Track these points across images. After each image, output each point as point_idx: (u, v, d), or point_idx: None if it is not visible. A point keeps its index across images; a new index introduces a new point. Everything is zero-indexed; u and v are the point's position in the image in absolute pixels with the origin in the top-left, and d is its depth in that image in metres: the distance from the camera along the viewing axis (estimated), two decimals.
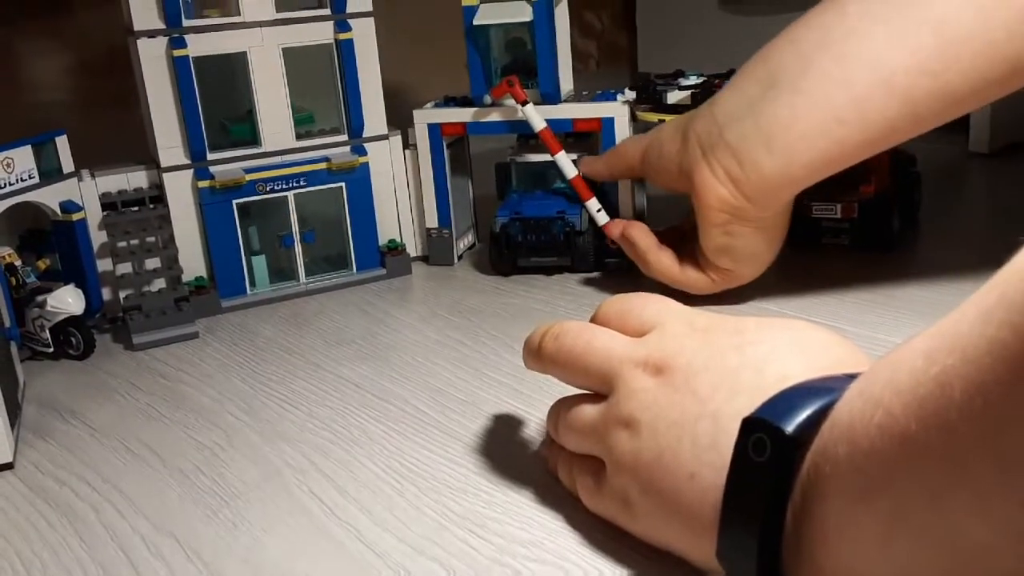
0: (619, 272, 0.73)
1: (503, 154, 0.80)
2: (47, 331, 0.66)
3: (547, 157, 0.74)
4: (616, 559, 0.39)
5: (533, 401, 0.54)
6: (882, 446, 0.26)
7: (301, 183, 0.76)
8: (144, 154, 0.75)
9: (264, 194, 0.75)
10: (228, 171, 0.74)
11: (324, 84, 0.77)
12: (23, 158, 0.66)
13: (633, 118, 0.76)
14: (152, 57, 0.71)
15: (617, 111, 0.74)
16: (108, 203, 0.71)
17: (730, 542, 0.31)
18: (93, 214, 0.71)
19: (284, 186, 0.75)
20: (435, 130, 0.79)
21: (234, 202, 0.74)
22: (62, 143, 0.69)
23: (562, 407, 0.43)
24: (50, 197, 0.69)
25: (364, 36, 0.76)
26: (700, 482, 0.34)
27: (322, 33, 0.75)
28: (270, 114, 0.75)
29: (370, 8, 0.76)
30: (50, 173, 0.68)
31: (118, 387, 0.62)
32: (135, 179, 0.73)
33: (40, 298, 0.66)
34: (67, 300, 0.66)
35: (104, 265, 0.71)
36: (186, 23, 0.71)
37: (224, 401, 0.59)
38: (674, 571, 0.37)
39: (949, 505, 0.24)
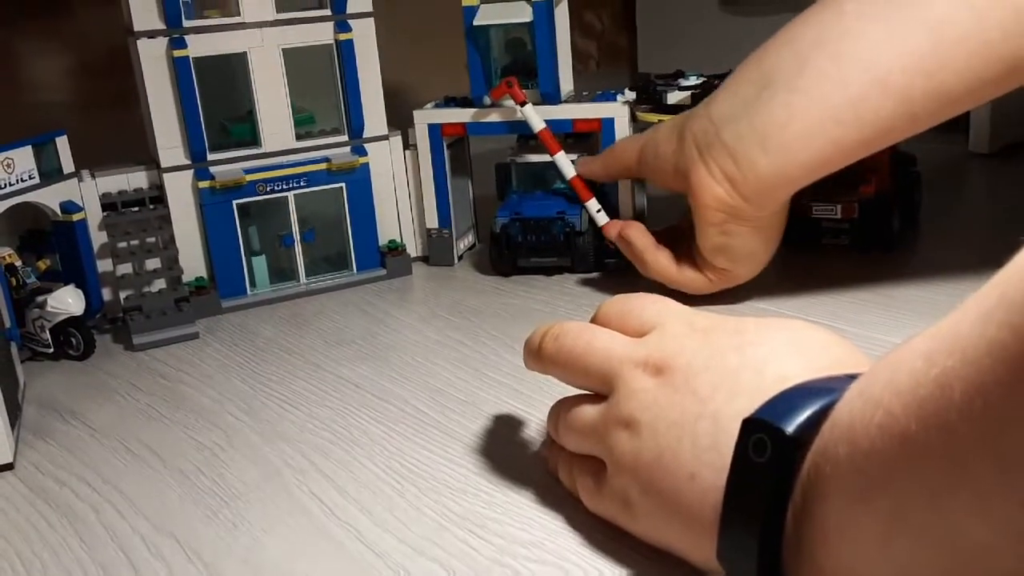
0: (619, 272, 0.73)
1: (503, 154, 0.80)
2: (47, 332, 0.66)
3: (547, 157, 0.74)
4: (616, 560, 0.39)
5: (533, 401, 0.54)
6: (882, 446, 0.26)
7: (301, 183, 0.76)
8: (144, 154, 0.75)
9: (264, 194, 0.75)
10: (228, 171, 0.74)
11: (324, 84, 0.77)
12: (23, 158, 0.66)
13: (633, 118, 0.76)
14: (152, 57, 0.71)
15: (617, 111, 0.74)
16: (108, 203, 0.71)
17: (730, 542, 0.31)
18: (93, 214, 0.71)
19: (284, 186, 0.75)
20: (435, 130, 0.79)
21: (234, 202, 0.74)
22: (62, 143, 0.69)
23: (562, 407, 0.43)
24: (50, 197, 0.69)
25: (364, 36, 0.76)
26: (700, 482, 0.34)
27: (322, 34, 0.75)
28: (270, 114, 0.75)
29: (370, 8, 0.76)
30: (50, 173, 0.68)
31: (118, 387, 0.62)
32: (135, 179, 0.73)
33: (40, 299, 0.66)
34: (67, 301, 0.66)
35: (104, 265, 0.72)
36: (186, 24, 0.71)
37: (224, 401, 0.59)
38: (674, 571, 0.37)
39: (949, 505, 0.24)
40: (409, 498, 0.46)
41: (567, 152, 0.74)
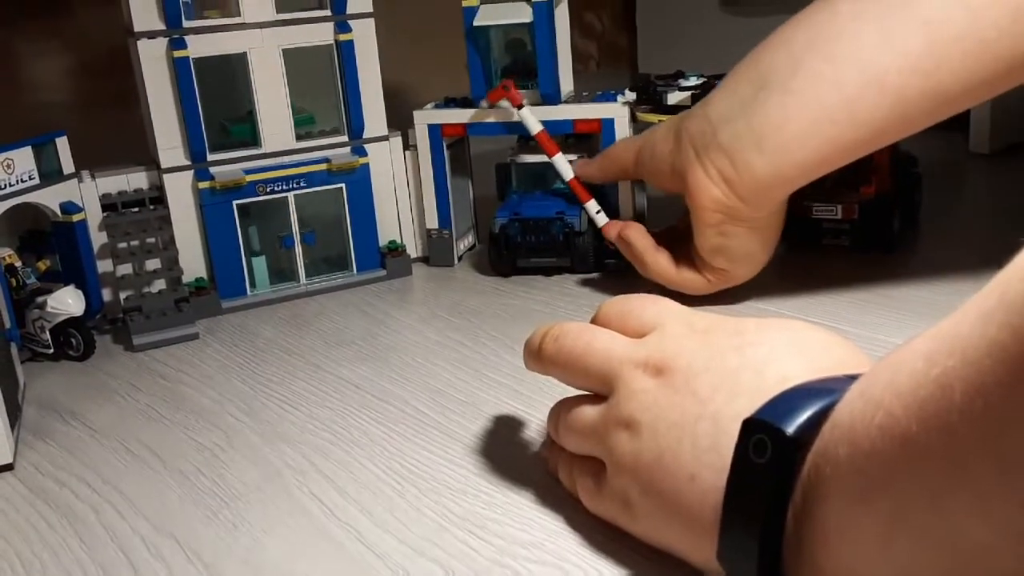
0: (618, 273, 0.73)
1: (503, 155, 0.80)
2: (47, 332, 0.66)
3: (547, 158, 0.74)
4: (616, 560, 0.39)
5: (533, 402, 0.54)
6: (883, 447, 0.26)
7: (301, 184, 0.76)
8: (144, 155, 0.75)
9: (264, 195, 0.75)
10: (228, 172, 0.74)
11: (324, 85, 0.77)
12: (23, 159, 0.66)
13: (633, 119, 0.76)
14: (152, 58, 0.71)
15: (617, 112, 0.74)
16: (108, 204, 0.71)
17: (731, 543, 0.31)
18: (93, 215, 0.71)
19: (284, 187, 0.75)
20: (435, 131, 0.79)
21: (234, 203, 0.74)
22: (62, 144, 0.69)
23: (562, 408, 0.43)
24: (50, 198, 0.69)
25: (364, 37, 0.76)
26: (700, 483, 0.34)
27: (322, 34, 0.75)
28: (270, 115, 0.75)
29: (370, 9, 0.76)
30: (50, 174, 0.68)
31: (118, 388, 0.62)
32: (135, 180, 0.73)
33: (40, 299, 0.66)
34: (67, 301, 0.66)
35: (104, 266, 0.71)
36: (186, 24, 0.71)
37: (224, 402, 0.59)
38: (674, 572, 0.37)
39: (950, 506, 0.24)
40: (409, 499, 0.46)
41: (567, 152, 0.74)
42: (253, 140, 0.75)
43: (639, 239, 0.67)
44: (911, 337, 0.27)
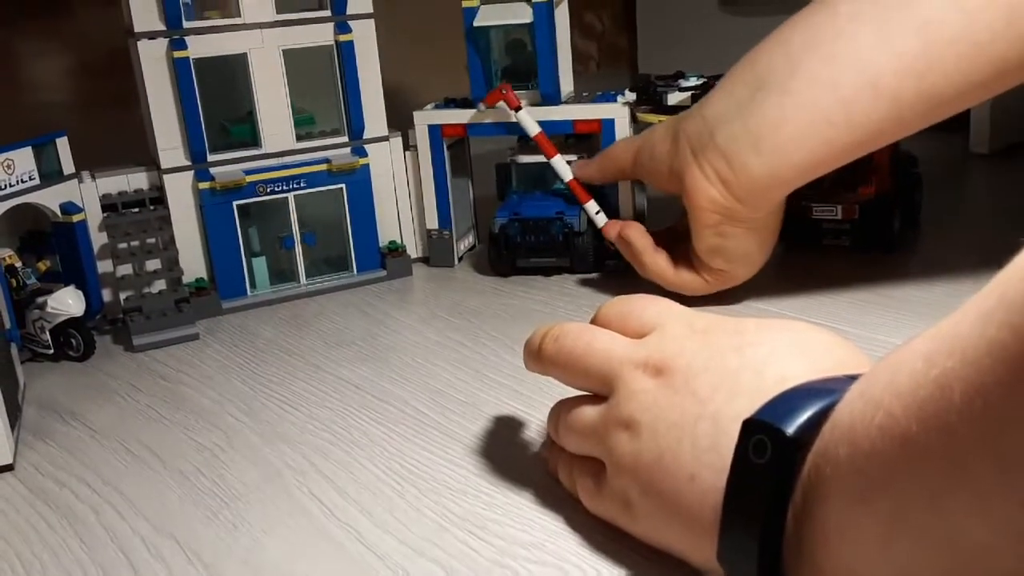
0: (618, 273, 0.73)
1: (503, 155, 0.80)
2: (47, 333, 0.66)
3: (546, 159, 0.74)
4: (616, 561, 0.39)
5: (533, 403, 0.54)
6: (883, 447, 0.26)
7: (301, 184, 0.76)
8: (144, 155, 0.75)
9: (264, 195, 0.75)
10: (228, 172, 0.74)
11: (324, 86, 0.77)
12: (23, 159, 0.66)
13: (633, 119, 0.76)
14: (152, 58, 0.71)
15: (617, 112, 0.74)
16: (108, 204, 0.71)
17: (731, 544, 0.31)
18: (93, 215, 0.71)
19: (284, 187, 0.75)
20: (435, 131, 0.79)
21: (234, 203, 0.74)
22: (62, 144, 0.69)
23: (562, 408, 0.43)
24: (50, 199, 0.69)
25: (364, 38, 0.76)
26: (700, 484, 0.34)
27: (322, 35, 0.75)
28: (270, 115, 0.75)
29: (370, 10, 0.76)
30: (50, 175, 0.68)
31: (118, 388, 0.62)
32: (135, 180, 0.73)
33: (40, 300, 0.66)
34: (67, 302, 0.66)
35: (104, 267, 0.72)
36: (186, 25, 0.71)
37: (224, 402, 0.59)
38: (674, 573, 0.37)
39: (949, 506, 0.24)
40: (409, 499, 0.46)
41: (567, 153, 0.74)
42: (253, 140, 0.75)
43: (638, 239, 0.67)
44: (911, 337, 0.27)
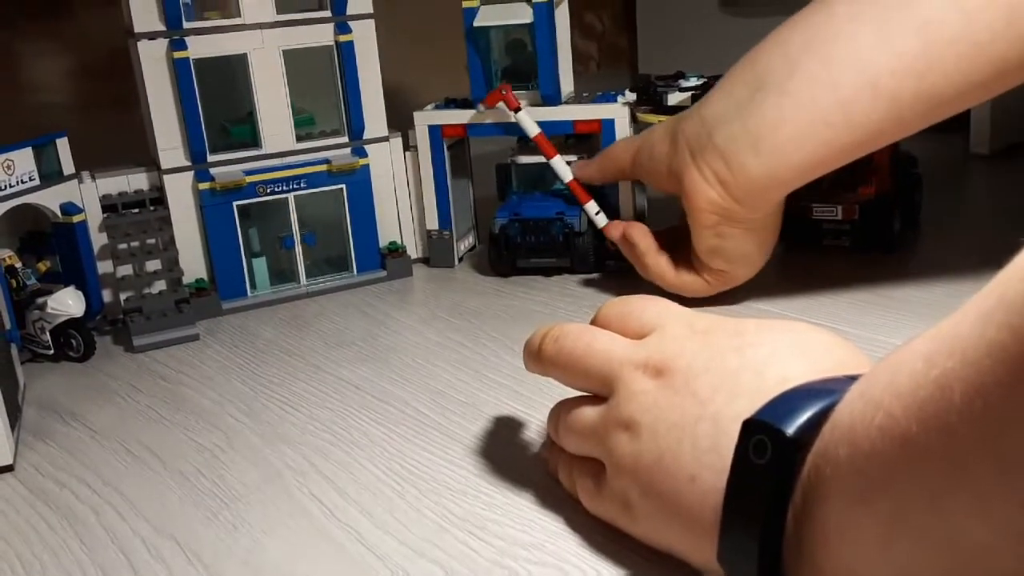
0: (618, 274, 0.73)
1: (503, 155, 0.80)
2: (47, 333, 0.66)
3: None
4: (616, 561, 0.39)
5: (533, 403, 0.54)
6: (883, 448, 0.26)
7: (301, 185, 0.76)
8: (144, 156, 0.75)
9: (264, 196, 0.75)
10: (228, 173, 0.74)
11: (324, 86, 0.77)
12: (24, 160, 0.66)
13: (633, 120, 0.76)
14: (152, 59, 0.71)
15: (617, 113, 0.74)
16: (108, 205, 0.71)
17: (731, 544, 0.31)
18: (93, 216, 0.71)
19: (284, 188, 0.75)
20: (435, 132, 0.79)
21: (234, 204, 0.74)
22: (63, 145, 0.69)
23: (562, 409, 0.43)
24: (50, 199, 0.69)
25: (364, 38, 0.76)
26: (700, 484, 0.34)
27: (322, 35, 0.75)
28: (270, 116, 0.75)
29: (370, 10, 0.76)
30: (50, 175, 0.68)
31: (118, 389, 0.62)
32: (135, 181, 0.73)
33: (40, 300, 0.66)
34: (67, 302, 0.66)
35: (104, 267, 0.71)
36: (186, 25, 0.71)
37: (224, 403, 0.59)
38: (674, 574, 0.37)
39: (949, 506, 0.24)
40: (409, 500, 0.46)
41: (568, 153, 0.74)
42: (253, 141, 0.75)
43: (642, 240, 0.67)
44: (911, 338, 0.27)
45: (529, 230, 0.74)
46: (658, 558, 0.38)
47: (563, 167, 0.73)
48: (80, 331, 0.67)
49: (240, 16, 0.72)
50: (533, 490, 0.45)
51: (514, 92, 0.74)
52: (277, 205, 0.76)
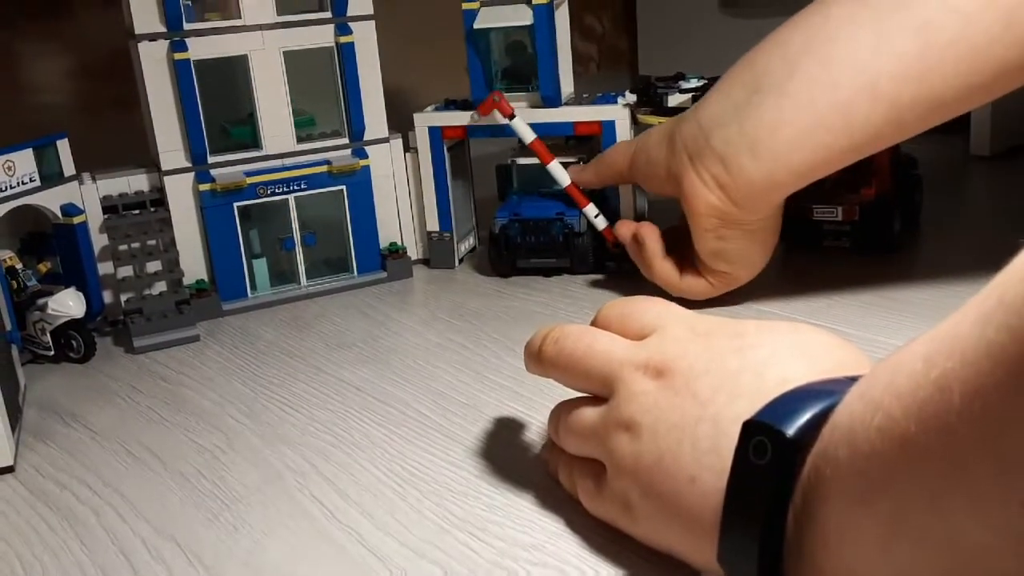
0: (619, 275, 0.73)
1: (504, 157, 0.80)
2: (48, 334, 0.66)
3: None
4: (617, 562, 0.39)
5: (534, 404, 0.54)
6: (882, 449, 0.26)
7: (302, 186, 0.76)
8: (145, 157, 0.75)
9: (265, 197, 0.75)
10: (229, 174, 0.74)
11: (325, 87, 0.77)
12: (24, 161, 0.66)
13: (634, 121, 0.76)
14: (153, 60, 0.71)
15: (618, 114, 0.74)
16: (109, 206, 0.71)
17: (731, 545, 0.31)
18: (94, 217, 0.71)
19: (285, 189, 0.75)
20: (436, 133, 0.79)
21: (235, 205, 0.74)
22: (63, 146, 0.69)
23: (563, 410, 0.43)
24: (51, 200, 0.69)
25: (365, 39, 0.76)
26: (701, 485, 0.34)
27: (323, 36, 0.75)
28: (271, 117, 0.75)
29: (371, 11, 0.76)
30: (51, 176, 0.68)
31: (119, 390, 0.62)
32: (136, 182, 0.73)
33: (41, 301, 0.66)
34: (68, 303, 0.66)
35: (105, 268, 0.71)
36: (187, 26, 0.71)
37: (225, 404, 0.59)
38: (674, 574, 0.37)
39: (949, 507, 0.24)
40: (410, 501, 0.46)
41: (568, 154, 0.74)
42: (254, 142, 0.75)
43: (652, 242, 0.67)
44: (911, 338, 0.27)
45: (529, 230, 0.74)
46: (658, 559, 0.38)
47: (560, 171, 0.73)
48: (81, 332, 0.67)
49: (240, 17, 0.72)
50: (534, 491, 0.45)
51: (514, 93, 0.74)
52: (277, 206, 0.76)
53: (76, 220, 0.69)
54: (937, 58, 0.52)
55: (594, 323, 0.43)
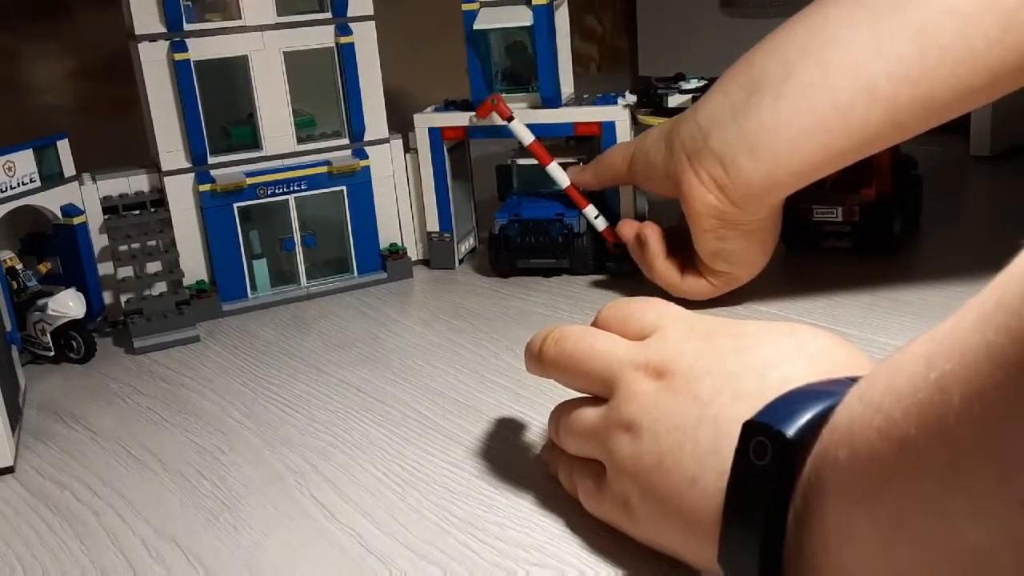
0: (619, 275, 0.74)
1: (504, 157, 0.80)
2: (48, 335, 0.66)
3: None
4: (617, 563, 0.39)
5: (534, 404, 0.54)
6: (881, 450, 0.26)
7: (302, 187, 0.76)
8: (145, 158, 0.75)
9: (265, 198, 0.75)
10: (229, 175, 0.74)
11: (325, 88, 0.77)
12: (24, 162, 0.66)
13: (634, 122, 0.76)
14: (153, 61, 0.71)
15: (618, 115, 0.74)
16: (109, 207, 0.71)
17: (731, 546, 0.31)
18: (94, 218, 0.71)
19: (285, 190, 0.75)
20: (436, 134, 0.79)
21: (235, 206, 0.74)
22: (63, 147, 0.69)
23: (563, 411, 0.43)
24: (51, 201, 0.69)
25: (365, 40, 0.76)
26: (701, 486, 0.34)
27: (323, 37, 0.75)
28: (271, 118, 0.75)
29: (371, 12, 0.76)
30: (51, 177, 0.68)
31: (119, 391, 0.62)
32: (136, 183, 0.73)
33: (41, 302, 0.66)
34: (68, 304, 0.66)
35: (105, 269, 0.72)
36: (187, 27, 0.71)
37: (225, 405, 0.59)
38: (674, 575, 0.37)
39: (949, 509, 0.24)
40: (410, 501, 0.46)
41: (568, 155, 0.74)
42: (254, 143, 0.75)
43: (656, 243, 0.67)
44: (911, 339, 0.27)
45: (529, 231, 0.74)
46: (658, 559, 0.38)
47: (560, 173, 0.73)
48: (81, 333, 0.67)
49: (241, 18, 0.72)
50: (534, 492, 0.45)
51: (514, 94, 0.74)
52: (278, 207, 0.76)
53: (76, 221, 0.69)
54: (936, 60, 0.52)
55: (594, 324, 0.43)
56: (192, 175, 0.73)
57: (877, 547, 0.27)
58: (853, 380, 0.30)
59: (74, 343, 0.67)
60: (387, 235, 0.80)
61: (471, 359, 0.62)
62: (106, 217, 0.71)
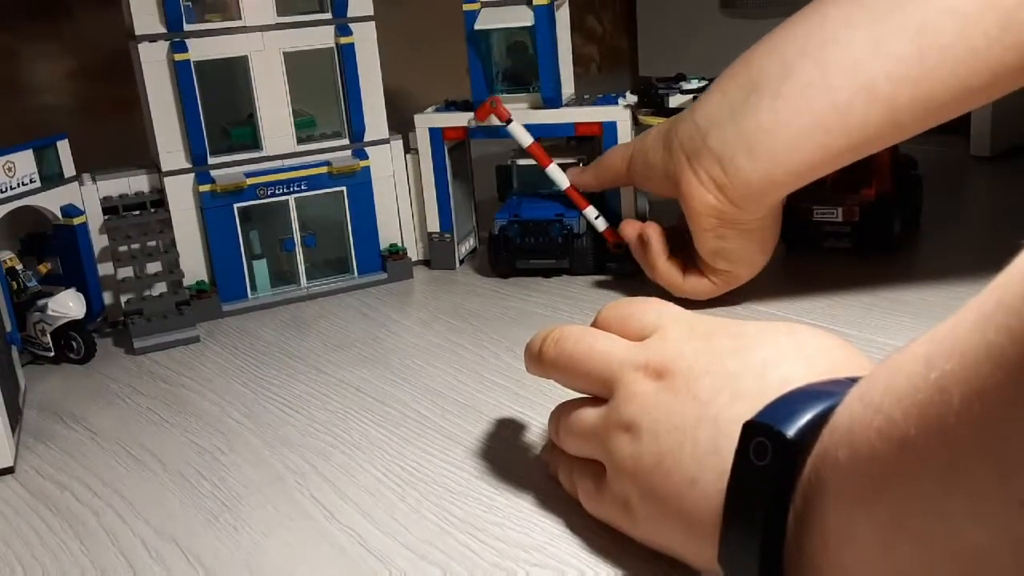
0: (619, 276, 0.73)
1: (504, 158, 0.80)
2: (48, 335, 0.66)
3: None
4: (617, 563, 0.39)
5: (534, 405, 0.54)
6: (881, 451, 0.26)
7: (302, 187, 0.76)
8: (145, 158, 0.75)
9: (265, 198, 0.75)
10: (229, 175, 0.74)
11: (325, 88, 0.77)
12: (24, 162, 0.66)
13: (635, 122, 0.76)
14: (153, 61, 0.71)
15: (619, 115, 0.74)
16: (109, 207, 0.71)
17: (732, 547, 0.31)
18: (94, 218, 0.71)
19: (285, 190, 0.75)
20: (436, 134, 0.79)
21: (235, 206, 0.74)
22: (63, 147, 0.69)
23: (563, 411, 0.43)
24: (51, 201, 0.69)
25: (365, 40, 0.76)
26: (701, 486, 0.34)
27: (323, 37, 0.75)
28: (271, 118, 0.75)
29: (371, 12, 0.76)
30: (51, 177, 0.68)
31: (119, 391, 0.62)
32: (136, 183, 0.73)
33: (41, 302, 0.66)
34: (68, 304, 0.66)
35: (105, 269, 0.72)
36: (187, 27, 0.71)
37: (225, 405, 0.59)
38: (674, 575, 0.37)
39: (948, 510, 0.24)
40: (410, 502, 0.46)
41: (568, 156, 0.74)
42: (254, 143, 0.75)
43: (657, 243, 0.67)
44: (911, 339, 0.27)
45: (528, 231, 0.74)
46: (658, 560, 0.38)
47: (559, 175, 0.73)
48: (81, 333, 0.67)
49: (241, 18, 0.72)
50: (533, 492, 0.45)
51: (515, 94, 0.74)
52: (278, 207, 0.76)
53: (76, 221, 0.69)
54: (935, 60, 0.52)
55: (594, 324, 0.43)
56: (192, 175, 0.73)
57: (877, 547, 0.27)
58: (853, 380, 0.30)
59: (74, 343, 0.67)
60: (387, 235, 0.80)
61: (471, 359, 0.62)
62: (106, 217, 0.71)
